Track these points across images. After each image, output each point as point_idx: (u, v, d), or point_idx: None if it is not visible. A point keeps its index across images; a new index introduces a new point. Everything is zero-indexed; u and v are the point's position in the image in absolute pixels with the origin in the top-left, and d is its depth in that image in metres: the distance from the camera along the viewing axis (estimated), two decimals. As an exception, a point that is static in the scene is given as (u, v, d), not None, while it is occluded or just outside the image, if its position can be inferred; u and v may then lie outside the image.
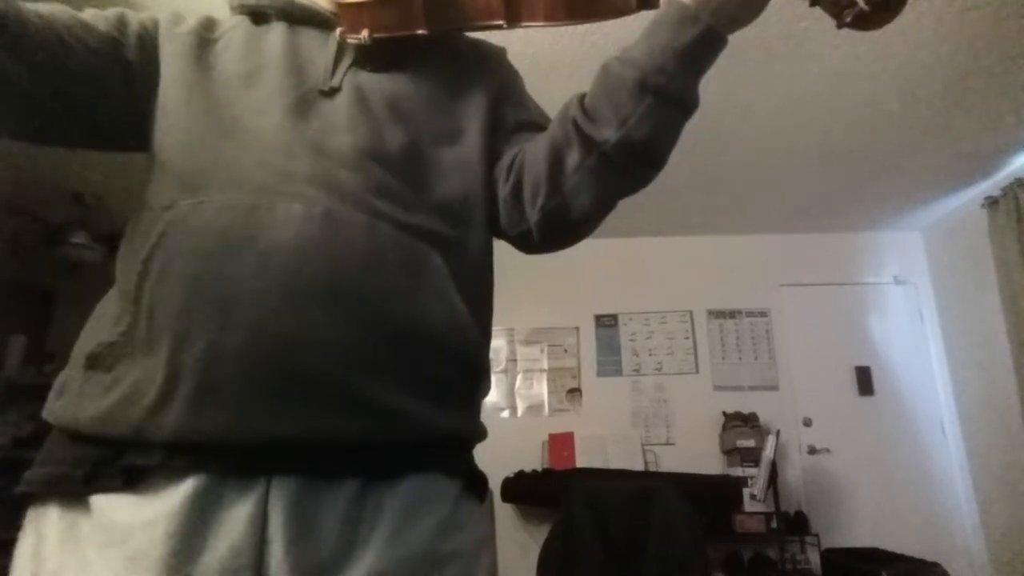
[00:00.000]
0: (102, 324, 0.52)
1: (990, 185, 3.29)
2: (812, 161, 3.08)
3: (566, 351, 3.85)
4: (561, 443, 3.54)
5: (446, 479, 0.54)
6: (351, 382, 0.48)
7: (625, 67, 0.55)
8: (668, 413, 3.73)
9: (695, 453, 3.57)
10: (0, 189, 2.97)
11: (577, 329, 3.90)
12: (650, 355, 3.86)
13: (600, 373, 3.82)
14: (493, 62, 0.72)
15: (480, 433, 0.60)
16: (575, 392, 3.77)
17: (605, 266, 3.87)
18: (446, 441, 0.55)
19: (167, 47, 0.60)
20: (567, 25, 0.64)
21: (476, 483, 0.59)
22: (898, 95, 2.52)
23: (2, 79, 0.51)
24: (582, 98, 0.59)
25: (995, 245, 3.22)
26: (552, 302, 3.88)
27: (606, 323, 3.92)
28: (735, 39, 0.56)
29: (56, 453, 0.49)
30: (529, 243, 0.65)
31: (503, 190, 0.64)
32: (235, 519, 0.44)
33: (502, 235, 0.66)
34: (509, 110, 0.68)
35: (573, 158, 0.58)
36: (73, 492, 0.47)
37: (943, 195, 3.50)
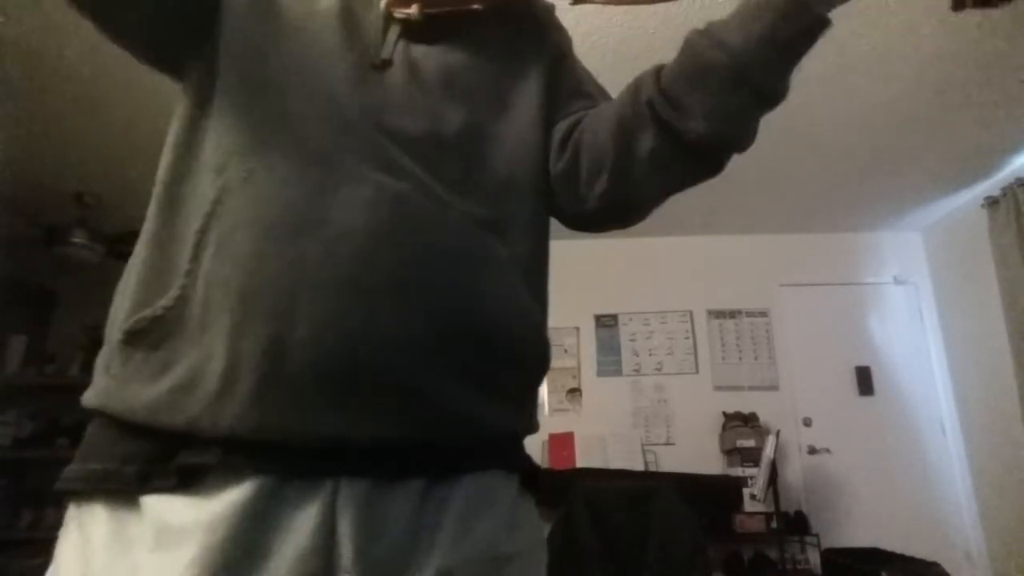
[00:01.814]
0: (139, 295, 0.47)
1: (990, 185, 3.29)
2: (812, 161, 3.08)
3: (566, 351, 3.85)
4: (561, 443, 3.54)
5: (505, 476, 0.52)
6: (423, 382, 0.45)
7: (719, 53, 0.49)
8: (668, 413, 3.73)
9: (695, 453, 3.57)
10: (0, 189, 2.97)
11: (577, 329, 3.89)
12: (650, 355, 3.86)
13: (600, 373, 3.82)
14: (546, 24, 0.67)
15: (535, 425, 0.57)
16: (575, 392, 3.77)
17: (605, 266, 3.87)
18: (508, 436, 0.53)
19: None
20: (637, 4, 0.59)
21: (532, 478, 0.56)
22: (898, 95, 2.52)
23: None
24: (658, 77, 0.53)
25: (995, 245, 3.22)
26: (552, 302, 3.80)
27: (606, 323, 3.92)
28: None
29: (103, 448, 0.46)
30: (581, 224, 0.62)
31: (556, 166, 0.60)
32: (301, 523, 0.41)
33: (552, 212, 0.63)
34: (564, 77, 0.64)
35: (646, 143, 0.53)
36: (123, 491, 0.43)
37: (943, 195, 3.50)
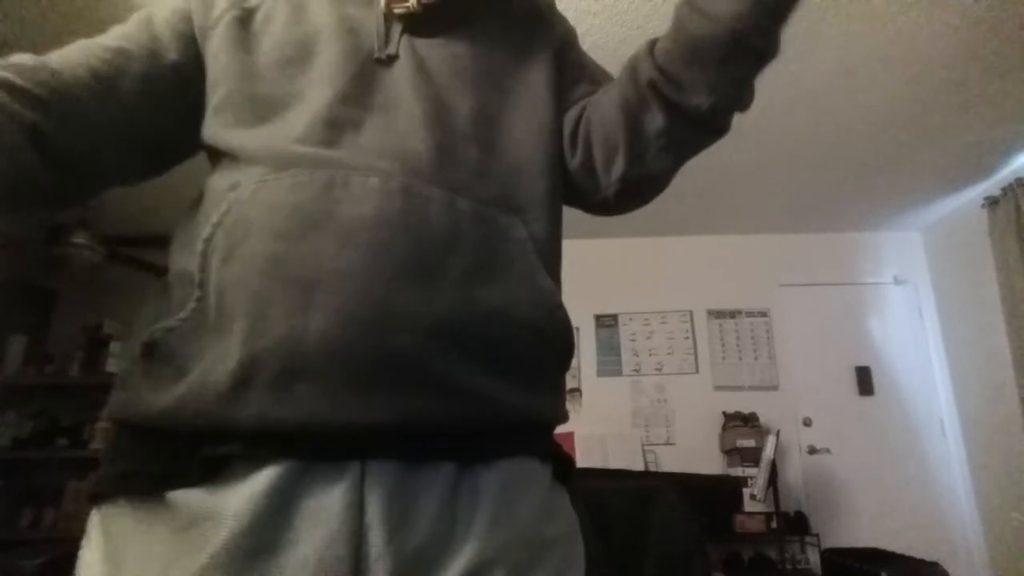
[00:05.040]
0: (158, 310, 0.48)
1: (990, 185, 3.29)
2: (812, 161, 3.08)
3: (566, 351, 3.85)
4: (560, 443, 3.54)
5: (538, 463, 0.52)
6: (443, 365, 0.45)
7: (713, 25, 0.49)
8: (668, 413, 3.73)
9: (695, 453, 3.58)
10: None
11: (577, 329, 3.87)
12: (650, 355, 3.86)
13: (600, 373, 3.83)
14: (548, 15, 0.69)
15: (564, 415, 0.57)
16: (575, 392, 3.77)
17: (605, 266, 3.87)
18: (537, 423, 0.53)
19: (211, 38, 0.57)
20: None
21: (564, 466, 0.56)
22: (898, 95, 2.52)
23: (80, 145, 0.52)
24: (652, 55, 0.53)
25: (995, 245, 3.22)
26: (552, 302, 3.87)
27: (606, 323, 3.92)
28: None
29: (125, 452, 0.46)
30: (605, 209, 0.64)
31: (572, 162, 0.61)
32: (328, 507, 0.41)
33: (574, 203, 0.64)
34: (570, 64, 0.66)
35: (655, 122, 0.54)
36: (147, 490, 0.43)
37: (943, 195, 3.50)
